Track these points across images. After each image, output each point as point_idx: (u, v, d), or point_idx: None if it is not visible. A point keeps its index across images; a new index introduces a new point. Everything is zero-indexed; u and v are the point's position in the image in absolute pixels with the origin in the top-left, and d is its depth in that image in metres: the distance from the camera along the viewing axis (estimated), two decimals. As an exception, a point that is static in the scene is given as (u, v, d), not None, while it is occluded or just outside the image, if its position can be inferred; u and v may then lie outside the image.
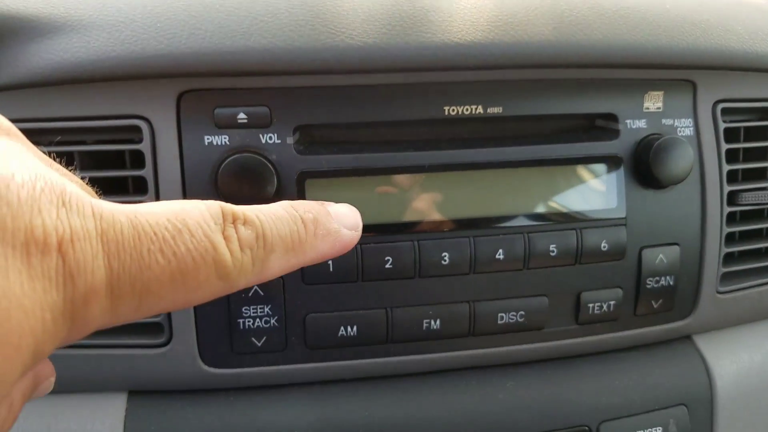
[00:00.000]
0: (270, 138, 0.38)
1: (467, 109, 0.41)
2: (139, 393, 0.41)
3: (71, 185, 0.15)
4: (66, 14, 0.37)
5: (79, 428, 0.39)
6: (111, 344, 0.39)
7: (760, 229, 0.51)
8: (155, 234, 0.16)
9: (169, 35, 0.36)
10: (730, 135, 0.47)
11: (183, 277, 0.16)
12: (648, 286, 0.45)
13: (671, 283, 0.46)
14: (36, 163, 0.15)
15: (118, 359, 0.40)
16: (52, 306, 0.14)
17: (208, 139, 0.38)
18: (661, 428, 0.46)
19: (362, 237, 0.39)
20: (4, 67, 0.36)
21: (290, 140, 0.38)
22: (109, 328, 0.40)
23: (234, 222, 0.18)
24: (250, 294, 0.39)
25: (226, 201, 0.36)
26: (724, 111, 0.47)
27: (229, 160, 0.36)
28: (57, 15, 0.37)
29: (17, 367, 0.13)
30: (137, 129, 0.37)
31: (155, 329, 0.39)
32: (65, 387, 0.40)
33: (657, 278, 0.45)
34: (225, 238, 0.17)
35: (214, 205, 0.18)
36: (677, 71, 0.44)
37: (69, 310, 0.14)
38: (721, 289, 0.48)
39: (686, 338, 0.51)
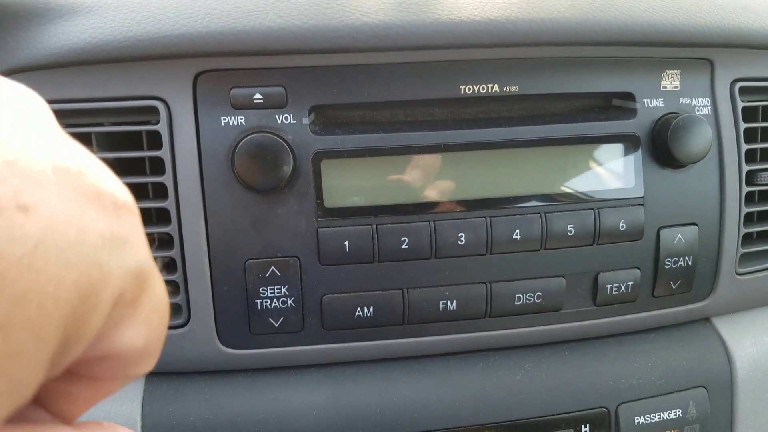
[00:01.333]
0: (286, 118, 0.38)
1: (483, 88, 0.40)
2: (157, 375, 0.41)
3: None
4: (82, -4, 0.37)
5: (97, 411, 0.39)
6: (129, 326, 0.39)
7: (780, 210, 0.50)
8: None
9: (186, 15, 0.36)
10: (749, 114, 0.47)
11: None
12: (666, 267, 0.45)
13: (690, 263, 0.45)
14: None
15: (136, 341, 0.40)
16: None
17: (224, 119, 0.38)
18: (680, 410, 0.45)
19: (378, 218, 0.40)
20: (23, 48, 0.36)
21: (306, 120, 0.38)
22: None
23: None
24: (267, 274, 0.39)
25: (243, 180, 0.37)
26: (742, 90, 0.46)
27: (245, 140, 0.36)
28: (74, -3, 0.37)
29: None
30: (154, 110, 0.38)
31: (174, 310, 0.40)
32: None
33: (675, 258, 0.45)
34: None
35: None
36: (694, 50, 0.44)
37: None
38: (740, 270, 0.48)
39: (705, 320, 0.50)
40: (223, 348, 0.40)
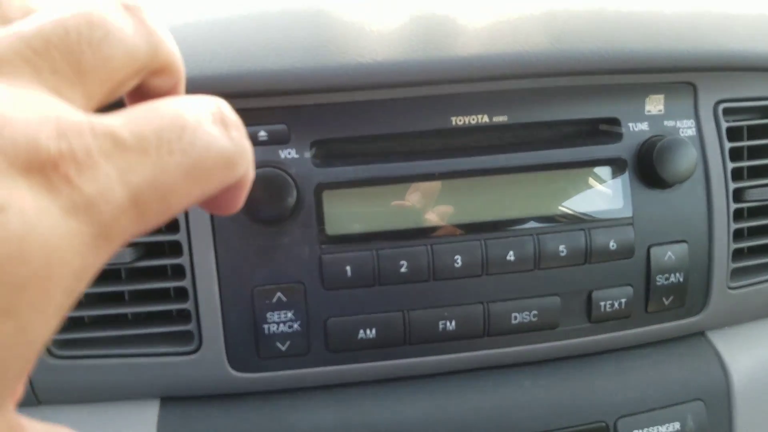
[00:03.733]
0: (289, 153, 0.40)
1: (473, 119, 0.43)
2: (171, 400, 0.43)
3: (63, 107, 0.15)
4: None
5: (115, 434, 0.41)
6: (144, 353, 0.42)
7: (769, 225, 0.52)
8: (160, 138, 0.16)
9: (192, 60, 0.39)
10: (733, 133, 0.49)
11: (195, 172, 0.16)
12: (658, 283, 0.46)
13: (681, 279, 0.47)
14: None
15: (150, 367, 0.42)
16: (81, 238, 0.14)
17: (231, 156, 0.40)
18: (678, 423, 0.46)
19: (378, 243, 0.42)
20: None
21: (307, 154, 0.41)
22: (140, 339, 0.42)
23: (220, 110, 0.18)
24: (273, 300, 0.41)
25: (250, 212, 0.39)
26: (726, 111, 0.48)
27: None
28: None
29: (60, 297, 0.14)
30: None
31: (186, 337, 0.42)
32: (99, 396, 0.43)
33: (666, 275, 0.46)
34: (220, 126, 0.17)
35: (205, 99, 0.18)
36: (677, 74, 0.46)
37: (101, 235, 0.15)
38: (732, 284, 0.49)
39: (700, 334, 0.51)
40: (233, 372, 0.42)
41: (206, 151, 0.16)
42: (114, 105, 0.17)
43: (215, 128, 0.17)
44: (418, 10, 0.45)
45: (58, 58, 0.15)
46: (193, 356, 0.41)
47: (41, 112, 0.14)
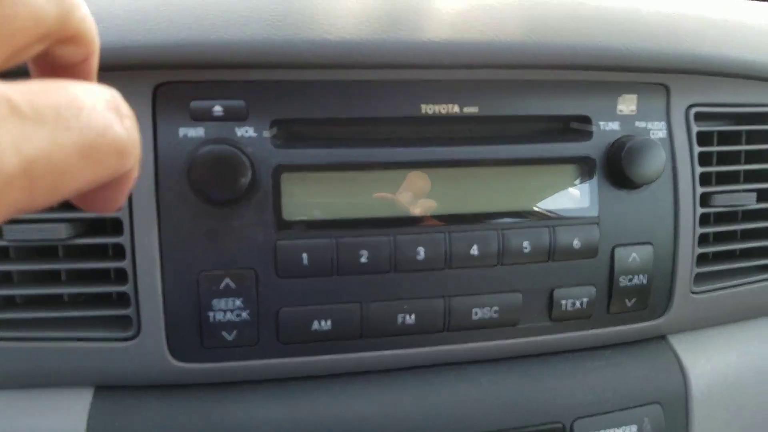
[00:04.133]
0: (246, 131, 0.38)
1: (443, 108, 0.41)
2: (105, 389, 0.40)
3: None
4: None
5: (40, 424, 0.38)
6: (78, 337, 0.39)
7: (735, 231, 0.52)
8: (58, 114, 0.16)
9: (147, 27, 0.36)
10: (704, 138, 0.48)
11: (90, 153, 0.16)
12: (621, 284, 0.45)
13: (644, 281, 0.46)
14: None
15: (84, 353, 0.39)
16: None
17: (183, 131, 0.37)
18: (635, 426, 0.46)
19: (338, 231, 0.40)
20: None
21: (267, 134, 0.38)
22: (75, 322, 0.39)
23: (115, 99, 0.18)
24: (221, 287, 0.38)
25: (199, 193, 0.37)
26: (698, 115, 0.48)
27: (202, 150, 0.36)
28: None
29: None
30: (111, 119, 0.37)
31: (124, 322, 0.39)
32: (27, 382, 0.40)
33: (630, 276, 0.45)
34: (115, 113, 0.17)
35: (102, 87, 0.18)
36: (650, 75, 0.45)
37: None
38: (695, 289, 0.49)
39: (661, 338, 0.51)
40: (174, 361, 0.39)
41: (102, 135, 0.16)
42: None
43: (111, 114, 0.17)
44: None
45: None
46: (130, 342, 0.39)
47: None
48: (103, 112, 0.17)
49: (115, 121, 0.17)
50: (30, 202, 0.15)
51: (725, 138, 0.50)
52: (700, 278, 0.50)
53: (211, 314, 0.39)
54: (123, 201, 0.20)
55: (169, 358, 0.39)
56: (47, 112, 0.15)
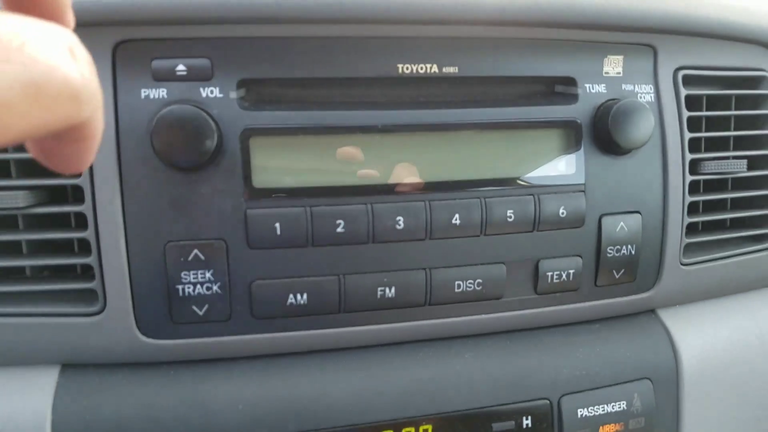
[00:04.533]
0: (211, 92, 0.36)
1: (422, 68, 0.39)
2: (71, 366, 0.38)
3: None
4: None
5: (2, 405, 0.36)
6: (41, 312, 0.37)
7: (724, 201, 0.50)
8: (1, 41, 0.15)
9: (102, -20, 0.34)
10: (692, 103, 0.47)
11: (36, 92, 0.15)
12: (609, 255, 0.44)
13: (632, 252, 0.45)
14: None
15: (48, 329, 0.37)
16: None
17: (144, 92, 0.35)
18: (624, 402, 0.44)
19: (312, 200, 0.38)
20: None
21: (234, 95, 0.36)
22: (37, 297, 0.37)
23: (71, 41, 0.17)
24: (189, 258, 0.37)
25: (162, 157, 0.35)
26: (686, 79, 0.46)
27: (164, 111, 0.34)
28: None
29: None
30: (69, 81, 0.35)
31: (89, 296, 0.37)
32: (-9, 360, 0.38)
33: (618, 247, 0.44)
34: (69, 54, 0.16)
35: (59, 27, 0.17)
36: (637, 35, 0.44)
37: None
38: (685, 260, 0.47)
39: (650, 312, 0.50)
40: (142, 338, 0.37)
41: (49, 74, 0.16)
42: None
43: (63, 54, 0.16)
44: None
45: None
46: (96, 318, 0.37)
47: None
48: (52, 50, 0.16)
49: (67, 61, 0.16)
50: None
51: (714, 103, 0.49)
52: (689, 249, 0.48)
53: (179, 288, 0.37)
54: (90, 158, 0.19)
55: (138, 334, 0.37)
56: None
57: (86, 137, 0.19)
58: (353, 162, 0.38)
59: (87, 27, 0.35)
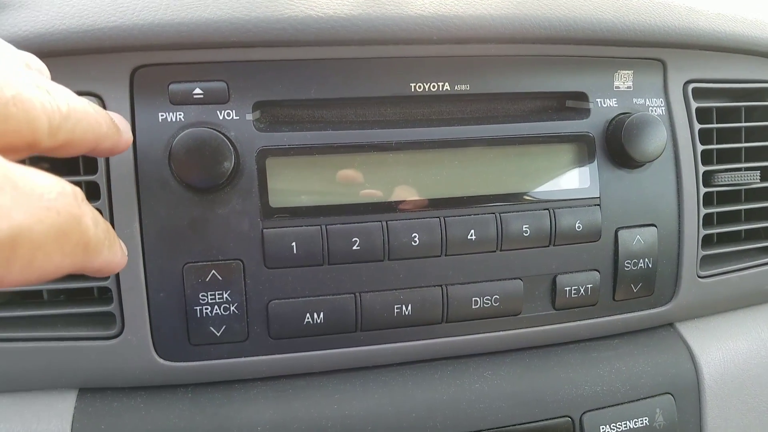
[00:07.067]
0: (228, 114, 0.36)
1: (434, 86, 0.40)
2: (89, 390, 0.38)
3: None
4: (14, -11, 0.36)
5: (23, 429, 0.36)
6: (59, 337, 0.37)
7: (739, 213, 0.50)
8: (43, 193, 0.19)
9: (122, 8, 0.35)
10: (703, 116, 0.47)
11: (62, 236, 0.19)
12: (626, 269, 0.44)
13: (650, 265, 0.44)
14: None
15: (67, 353, 0.37)
16: None
17: (162, 115, 0.36)
18: (647, 418, 0.44)
19: (328, 218, 0.38)
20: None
21: (249, 117, 0.37)
22: (55, 321, 0.37)
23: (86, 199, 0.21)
24: (207, 279, 0.37)
25: (180, 179, 0.35)
26: (696, 92, 0.46)
27: (182, 134, 0.34)
28: (5, -10, 0.36)
29: None
30: (88, 106, 0.36)
31: (107, 319, 0.37)
32: (10, 385, 0.38)
33: (635, 260, 0.44)
34: (88, 209, 0.21)
35: (71, 185, 0.21)
36: (646, 49, 0.44)
37: None
38: (702, 273, 0.47)
39: (669, 326, 0.49)
40: (160, 360, 0.37)
41: (74, 223, 0.20)
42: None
43: (85, 207, 0.21)
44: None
45: None
46: (113, 341, 0.37)
47: None
48: (76, 203, 0.20)
49: (88, 215, 0.20)
50: (6, 275, 0.17)
51: (724, 115, 0.49)
52: (705, 261, 0.48)
53: (197, 309, 0.37)
54: (117, 270, 0.25)
55: (155, 356, 0.37)
56: (35, 189, 0.18)
57: (104, 274, 0.23)
58: (353, 184, 0.38)
59: (106, 53, 0.35)
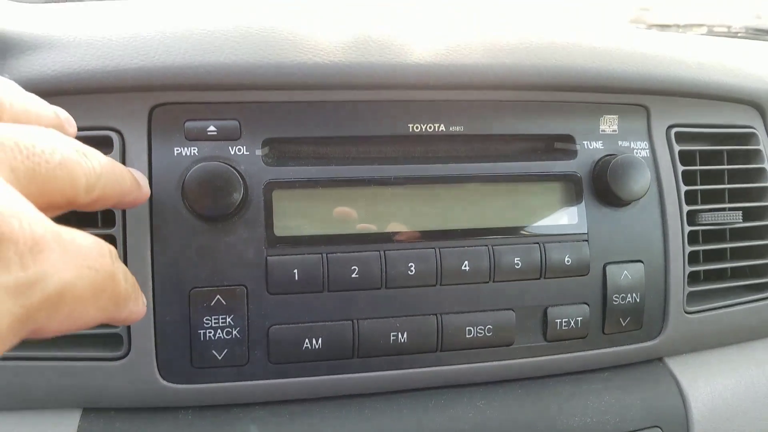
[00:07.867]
0: (239, 150, 0.39)
1: (430, 127, 0.43)
2: (93, 411, 0.39)
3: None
4: (46, 33, 0.39)
5: (26, 449, 0.37)
6: (65, 357, 0.38)
7: (724, 251, 0.52)
8: (88, 252, 0.21)
9: (144, 51, 0.38)
10: (687, 158, 0.50)
11: (99, 292, 0.21)
12: (615, 303, 0.45)
13: (637, 300, 0.46)
14: None
15: (72, 373, 0.38)
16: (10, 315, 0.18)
17: (177, 150, 0.39)
18: (636, 451, 0.45)
19: (329, 247, 0.40)
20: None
21: (259, 152, 0.40)
22: (62, 341, 0.39)
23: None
24: (212, 303, 0.38)
25: (192, 209, 0.37)
26: (678, 136, 0.49)
27: (196, 167, 0.37)
28: (38, 34, 0.39)
29: None
30: (108, 140, 0.38)
31: (113, 340, 0.39)
32: (16, 403, 0.39)
33: (623, 295, 0.45)
34: (116, 269, 0.23)
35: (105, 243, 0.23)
36: (630, 96, 0.47)
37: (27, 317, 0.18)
38: (689, 308, 0.49)
39: (658, 360, 0.50)
40: (163, 382, 0.39)
41: (109, 280, 0.22)
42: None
43: (118, 265, 0.23)
44: (378, 16, 0.46)
45: None
46: (119, 362, 0.38)
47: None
48: (111, 261, 0.22)
49: (120, 271, 0.23)
50: (48, 324, 0.19)
51: (708, 157, 0.51)
52: (692, 298, 0.49)
53: (201, 332, 0.38)
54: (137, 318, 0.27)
55: (159, 378, 0.38)
56: (80, 250, 0.20)
57: (128, 323, 0.26)
58: (350, 219, 0.41)
59: (127, 92, 0.38)
